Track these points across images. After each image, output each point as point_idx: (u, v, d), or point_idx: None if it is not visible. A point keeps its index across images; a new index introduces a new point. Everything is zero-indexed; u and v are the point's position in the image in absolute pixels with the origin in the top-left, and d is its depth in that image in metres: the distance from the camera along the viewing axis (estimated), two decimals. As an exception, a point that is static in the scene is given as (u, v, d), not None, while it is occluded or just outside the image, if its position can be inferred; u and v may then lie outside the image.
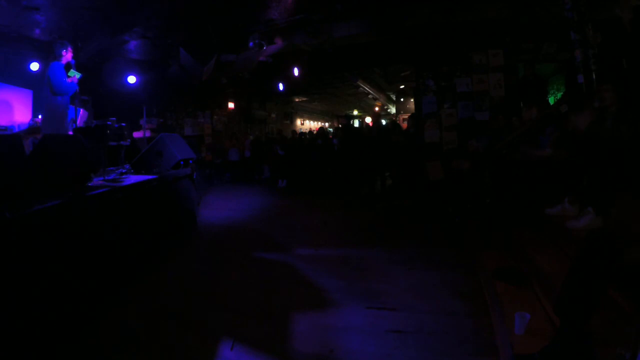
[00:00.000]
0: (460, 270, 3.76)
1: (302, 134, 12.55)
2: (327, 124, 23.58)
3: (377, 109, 20.18)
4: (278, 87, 11.71)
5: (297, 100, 18.27)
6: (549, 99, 7.55)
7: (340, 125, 14.36)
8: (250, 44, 8.26)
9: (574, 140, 3.15)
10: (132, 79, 9.28)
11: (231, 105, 13.21)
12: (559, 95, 7.36)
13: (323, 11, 7.51)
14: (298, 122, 20.84)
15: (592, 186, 2.83)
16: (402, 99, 16.80)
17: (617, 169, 2.55)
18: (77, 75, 5.42)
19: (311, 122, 22.50)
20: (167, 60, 9.21)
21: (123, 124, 5.84)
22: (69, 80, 5.33)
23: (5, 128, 6.53)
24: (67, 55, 5.39)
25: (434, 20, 7.52)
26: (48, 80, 5.21)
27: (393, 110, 19.20)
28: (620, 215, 2.00)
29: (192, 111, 12.18)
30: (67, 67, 5.39)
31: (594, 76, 3.94)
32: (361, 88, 14.74)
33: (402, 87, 14.99)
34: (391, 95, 17.85)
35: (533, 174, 3.95)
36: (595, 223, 2.66)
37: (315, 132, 13.21)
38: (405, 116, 13.99)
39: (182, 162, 5.28)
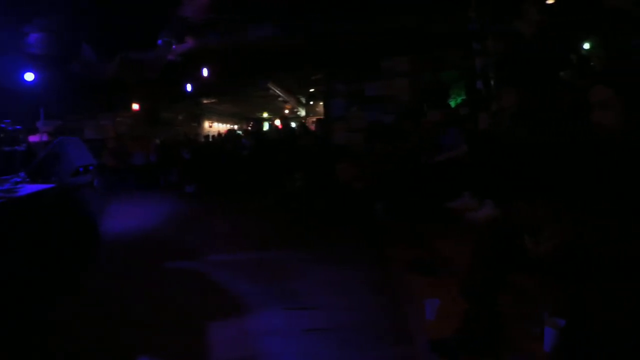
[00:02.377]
0: (374, 265, 3.90)
1: (212, 136, 12.20)
2: (236, 127, 23.17)
3: (287, 111, 20.29)
4: (186, 87, 11.23)
5: (205, 101, 17.68)
6: (451, 103, 8.21)
7: (249, 128, 14.21)
8: (159, 41, 7.86)
9: (474, 140, 3.45)
10: (29, 76, 8.25)
11: (136, 106, 12.35)
12: (459, 99, 8.04)
13: (238, 13, 7.39)
14: (206, 124, 20.18)
15: (491, 180, 3.12)
16: (311, 102, 17.10)
17: (512, 165, 2.84)
18: None
19: (220, 124, 21.92)
20: (70, 56, 8.34)
21: (18, 126, 5.24)
22: None
23: None
24: None
25: (344, 27, 7.79)
26: None
27: (303, 113, 19.44)
28: (514, 206, 2.22)
29: (95, 113, 11.17)
30: None
31: (492, 82, 4.38)
32: (271, 90, 14.73)
33: (312, 90, 15.25)
34: (301, 99, 18.07)
35: (437, 171, 4.24)
36: (494, 214, 2.93)
37: (224, 134, 12.90)
38: (314, 119, 14.27)
39: (81, 169, 4.80)
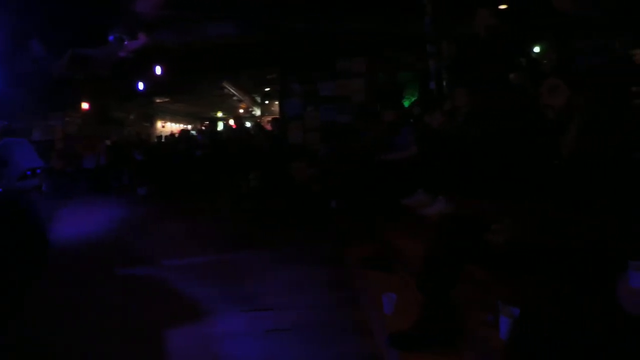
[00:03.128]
0: (331, 263, 3.97)
1: (165, 137, 11.83)
2: (190, 126, 22.59)
3: (241, 111, 20.02)
4: (138, 86, 10.81)
5: (158, 101, 17.10)
6: (405, 103, 8.42)
7: (203, 128, 13.90)
8: (111, 38, 7.51)
9: (426, 138, 3.57)
10: None
11: (86, 105, 11.73)
12: (413, 99, 8.28)
13: (192, 10, 7.19)
14: (159, 124, 19.54)
15: (443, 177, 3.24)
16: (267, 102, 17.00)
17: (464, 162, 2.97)
18: None
19: (173, 124, 21.29)
20: (17, 51, 7.77)
21: None
22: None
23: None
24: None
25: (301, 27, 7.80)
26: None
27: (258, 112, 19.28)
28: (467, 201, 2.33)
29: (43, 112, 10.50)
30: None
31: (444, 83, 4.55)
32: (226, 90, 14.50)
33: (267, 89, 15.15)
34: (256, 98, 17.91)
35: (390, 169, 4.35)
36: (447, 209, 3.05)
37: (177, 135, 12.55)
38: (270, 118, 14.19)
39: (28, 172, 4.51)
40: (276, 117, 9.51)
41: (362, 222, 4.37)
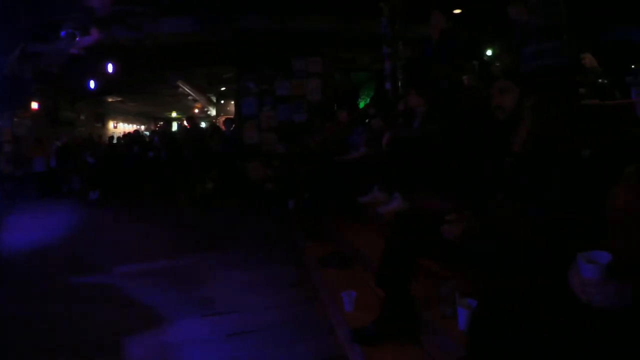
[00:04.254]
0: (289, 263, 3.97)
1: (118, 138, 11.37)
2: (143, 127, 21.84)
3: (196, 111, 19.59)
4: (89, 84, 10.32)
5: (110, 100, 16.41)
6: (359, 103, 8.56)
7: (157, 128, 13.50)
8: (62, 33, 7.11)
9: (380, 138, 3.65)
10: None
11: (35, 105, 11.06)
12: (368, 100, 8.43)
13: (147, 4, 6.93)
14: (111, 124, 18.76)
15: (398, 175, 3.33)
16: (222, 101, 16.72)
17: (418, 160, 3.07)
18: None
19: (126, 124, 20.51)
20: None
21: None
22: None
23: None
24: None
25: (258, 26, 7.73)
26: None
27: (213, 112, 18.92)
28: (422, 198, 2.41)
29: None
30: None
31: (399, 84, 4.66)
32: (181, 89, 14.13)
33: (223, 89, 14.91)
34: (212, 97, 17.56)
35: (346, 168, 4.41)
36: (403, 206, 3.13)
37: (131, 135, 12.11)
38: (225, 118, 13.99)
39: None
40: (229, 117, 9.40)
41: (319, 221, 4.41)
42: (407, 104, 3.84)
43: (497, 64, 6.09)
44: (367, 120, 4.91)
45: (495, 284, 1.54)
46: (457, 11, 6.04)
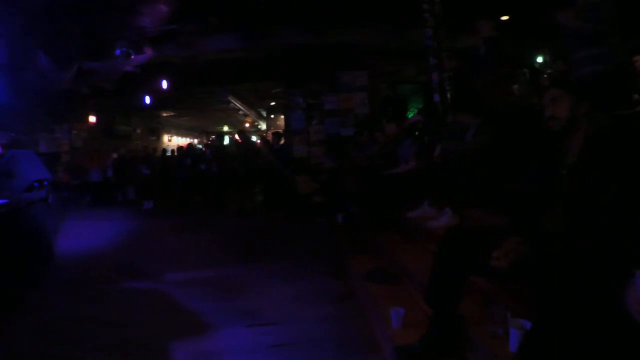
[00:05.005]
0: (335, 277, 3.91)
1: (172, 151, 11.87)
2: (196, 141, 22.72)
3: (247, 125, 20.15)
4: (144, 100, 10.92)
5: (164, 114, 17.25)
6: (409, 115, 8.46)
7: (209, 142, 13.99)
8: (117, 52, 7.61)
9: (432, 152, 3.56)
10: None
11: (92, 119, 11.84)
12: (416, 112, 8.32)
13: (196, 23, 7.30)
14: (165, 138, 19.67)
15: (449, 190, 3.22)
16: (272, 116, 17.08)
17: (471, 174, 2.95)
18: None
19: (180, 138, 21.43)
20: (23, 64, 7.87)
21: None
22: None
23: None
24: None
25: (304, 41, 7.88)
26: None
27: (264, 126, 19.39)
28: (473, 213, 2.30)
29: (49, 125, 10.58)
30: None
31: (448, 95, 4.55)
32: (232, 104, 14.59)
33: (272, 103, 15.25)
34: (262, 112, 18.02)
35: (395, 182, 4.33)
36: (453, 222, 3.02)
37: (184, 149, 12.61)
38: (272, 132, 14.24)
39: (36, 184, 4.53)
40: (277, 131, 9.58)
41: (366, 236, 4.34)
42: (455, 118, 3.72)
43: (549, 72, 5.81)
44: (416, 133, 4.82)
45: (547, 304, 1.44)
46: (505, 18, 5.85)
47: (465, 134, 3.41)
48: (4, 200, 3.71)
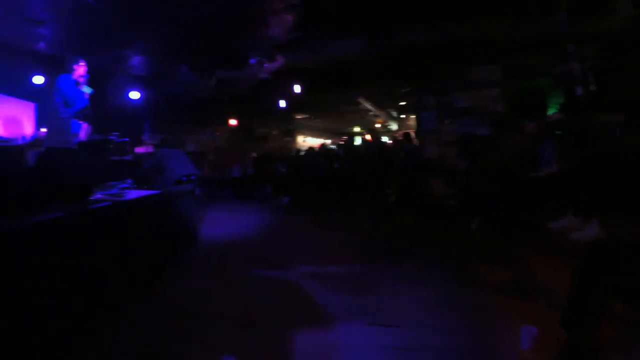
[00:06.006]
0: (464, 284, 3.72)
1: (305, 150, 12.58)
2: (329, 141, 23.64)
3: (378, 125, 20.23)
4: (279, 104, 11.78)
5: (298, 117, 18.34)
6: (548, 112, 7.61)
7: (341, 142, 14.41)
8: (252, 61, 8.39)
9: (579, 153, 3.16)
10: (134, 95, 9.36)
11: (233, 122, 13.28)
12: (556, 109, 7.44)
13: (322, 29, 7.62)
14: (300, 138, 20.87)
15: (596, 197, 2.83)
16: (403, 116, 16.87)
17: (622, 179, 2.55)
18: (89, 90, 5.41)
19: (313, 139, 22.52)
20: (170, 76, 9.28)
21: (126, 139, 5.81)
22: (85, 95, 5.33)
23: (9, 140, 6.54)
24: (80, 70, 5.37)
25: (431, 37, 7.64)
26: (60, 92, 5.13)
27: (395, 127, 19.25)
28: (623, 225, 1.99)
29: (195, 127, 12.21)
30: (78, 81, 5.37)
31: (591, 87, 3.97)
32: (362, 105, 14.80)
33: (402, 103, 15.07)
34: (392, 112, 17.92)
35: (536, 187, 3.95)
36: (600, 234, 2.64)
37: (317, 149, 13.25)
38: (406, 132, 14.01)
39: (184, 179, 5.25)
40: (407, 131, 9.43)
41: (502, 244, 4.04)
42: (605, 117, 3.23)
43: None
44: (558, 132, 4.30)
45: None
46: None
47: (613, 131, 2.94)
48: (156, 191, 4.38)
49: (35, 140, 6.10)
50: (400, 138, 9.28)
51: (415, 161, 8.11)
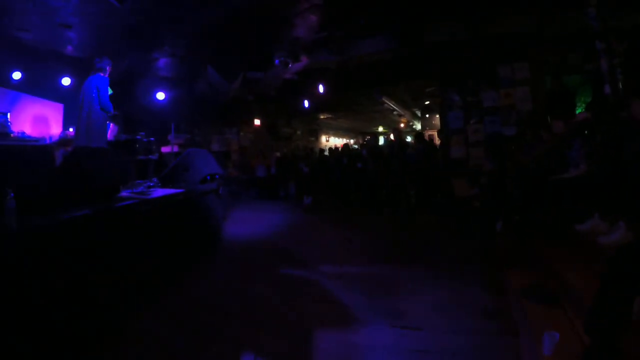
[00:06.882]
0: (488, 288, 3.67)
1: (328, 150, 12.59)
2: (352, 141, 23.60)
3: (402, 125, 20.06)
4: (303, 104, 11.82)
5: (322, 117, 18.38)
6: (577, 110, 7.37)
7: (365, 142, 14.35)
8: (276, 61, 8.44)
9: (607, 155, 3.05)
10: (161, 96, 9.58)
11: (257, 122, 13.40)
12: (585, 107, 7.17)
13: (346, 28, 7.60)
14: (323, 138, 20.93)
15: (624, 200, 2.73)
16: (427, 115, 16.67)
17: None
18: (110, 92, 5.56)
19: (336, 138, 22.54)
20: (195, 77, 9.44)
21: (152, 138, 5.95)
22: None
23: (37, 140, 6.78)
24: (108, 71, 5.52)
25: (457, 35, 7.50)
26: (98, 94, 5.21)
27: (419, 126, 19.05)
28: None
29: (220, 127, 12.37)
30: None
31: (620, 85, 3.81)
32: (386, 104, 14.71)
33: (427, 103, 14.88)
34: (416, 112, 17.74)
35: (563, 189, 3.84)
36: (627, 238, 2.55)
37: (340, 149, 13.24)
38: (431, 132, 13.86)
39: (208, 177, 5.33)
40: (419, 132, 9.34)
41: (527, 247, 3.94)
42: (629, 114, 3.08)
43: None
44: (586, 132, 4.14)
45: None
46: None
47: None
48: (180, 190, 4.48)
49: (63, 140, 6.32)
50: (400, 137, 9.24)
51: (430, 162, 8.02)
